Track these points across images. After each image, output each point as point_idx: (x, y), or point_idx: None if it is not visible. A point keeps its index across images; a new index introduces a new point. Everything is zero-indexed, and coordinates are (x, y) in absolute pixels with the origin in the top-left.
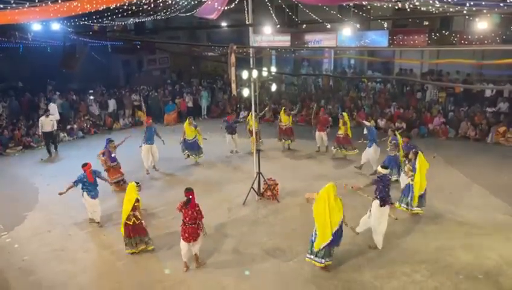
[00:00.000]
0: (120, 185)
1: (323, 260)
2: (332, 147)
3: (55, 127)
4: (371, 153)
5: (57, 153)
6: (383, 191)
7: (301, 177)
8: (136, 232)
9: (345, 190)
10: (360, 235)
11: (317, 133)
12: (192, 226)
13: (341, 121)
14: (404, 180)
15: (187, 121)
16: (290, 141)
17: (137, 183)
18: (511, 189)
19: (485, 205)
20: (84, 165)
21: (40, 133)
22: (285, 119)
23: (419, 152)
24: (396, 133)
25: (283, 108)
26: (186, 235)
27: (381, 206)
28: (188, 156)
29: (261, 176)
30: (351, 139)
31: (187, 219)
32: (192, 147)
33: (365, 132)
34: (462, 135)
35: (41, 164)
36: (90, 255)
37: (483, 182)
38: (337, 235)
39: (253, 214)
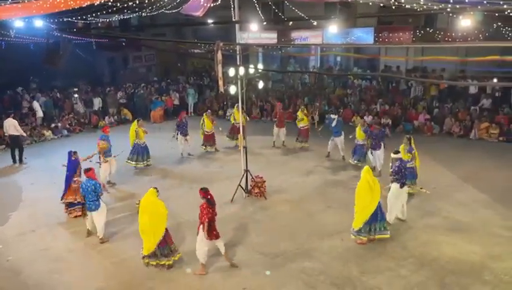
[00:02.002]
0: (73, 211)
1: (365, 234)
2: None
3: (20, 131)
4: (341, 141)
5: (20, 164)
6: (401, 173)
7: (288, 174)
8: (169, 241)
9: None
10: (345, 231)
11: (275, 128)
12: (214, 224)
13: (300, 114)
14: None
15: (135, 122)
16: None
17: (156, 188)
18: (495, 184)
19: (469, 200)
20: (88, 171)
21: (7, 135)
22: (238, 118)
23: (411, 137)
24: (366, 124)
25: (235, 106)
26: (215, 232)
27: (401, 187)
28: (136, 164)
29: (248, 173)
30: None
31: (214, 217)
32: (144, 151)
33: (334, 124)
34: (447, 131)
35: (25, 163)
36: (76, 255)
37: (467, 177)
38: (375, 214)
39: (241, 212)
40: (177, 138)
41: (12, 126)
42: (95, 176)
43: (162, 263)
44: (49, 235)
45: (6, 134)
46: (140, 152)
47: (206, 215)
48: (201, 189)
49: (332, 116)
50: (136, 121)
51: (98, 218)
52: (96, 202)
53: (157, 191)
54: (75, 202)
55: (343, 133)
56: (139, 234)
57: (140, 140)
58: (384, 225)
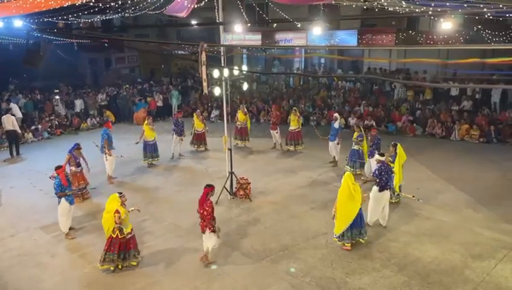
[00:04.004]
0: (81, 194)
1: (348, 240)
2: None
3: (17, 128)
4: (335, 145)
5: (17, 156)
6: (382, 177)
7: (273, 176)
8: (121, 247)
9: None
10: (330, 232)
11: (271, 131)
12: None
13: (293, 116)
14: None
15: (146, 121)
16: (245, 141)
17: (120, 193)
18: (477, 184)
19: (451, 200)
20: (58, 168)
21: (4, 131)
22: (241, 118)
23: (399, 144)
24: (362, 129)
25: (240, 106)
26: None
27: (380, 191)
28: (151, 164)
29: (233, 175)
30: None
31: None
32: (153, 149)
33: (336, 126)
34: (429, 133)
35: (4, 166)
36: (57, 260)
37: (449, 178)
38: (357, 221)
39: (226, 214)
40: (172, 137)
41: (10, 122)
42: (62, 175)
43: (120, 265)
44: (29, 240)
45: (4, 129)
46: (149, 150)
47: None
48: (207, 185)
49: (336, 115)
50: (145, 120)
51: (59, 213)
52: (58, 199)
53: (120, 196)
54: (78, 188)
55: (337, 139)
56: None
57: (147, 138)
58: (361, 231)
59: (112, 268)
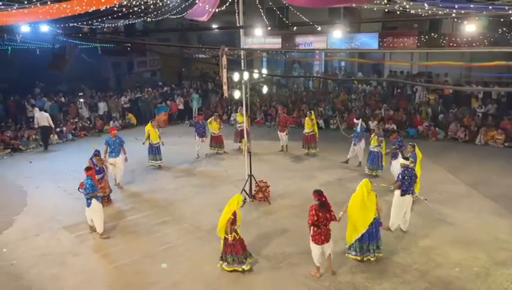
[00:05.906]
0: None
1: (357, 253)
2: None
3: (51, 123)
4: (359, 148)
5: (45, 150)
6: (405, 181)
7: (292, 179)
8: (234, 250)
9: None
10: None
11: (278, 133)
12: (326, 228)
13: (307, 119)
14: (396, 172)
15: (150, 123)
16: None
17: (244, 199)
18: (501, 190)
19: (473, 205)
20: (88, 170)
21: (36, 127)
22: (240, 119)
23: (415, 145)
24: (380, 129)
25: (238, 108)
26: (322, 237)
27: (401, 195)
28: (159, 166)
29: (252, 178)
30: (316, 138)
31: (323, 221)
32: (156, 152)
33: (358, 129)
34: (452, 137)
35: (30, 167)
36: (80, 259)
37: (473, 183)
38: (371, 232)
39: (245, 216)
40: (195, 138)
41: (45, 118)
42: (94, 176)
43: (237, 269)
44: (53, 239)
45: (37, 126)
46: (153, 152)
47: (311, 218)
48: (315, 191)
49: (356, 120)
50: (150, 122)
51: (92, 215)
52: (88, 200)
53: (243, 200)
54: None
55: (363, 140)
56: (143, 238)
57: (153, 141)
58: (378, 243)
59: (227, 269)
